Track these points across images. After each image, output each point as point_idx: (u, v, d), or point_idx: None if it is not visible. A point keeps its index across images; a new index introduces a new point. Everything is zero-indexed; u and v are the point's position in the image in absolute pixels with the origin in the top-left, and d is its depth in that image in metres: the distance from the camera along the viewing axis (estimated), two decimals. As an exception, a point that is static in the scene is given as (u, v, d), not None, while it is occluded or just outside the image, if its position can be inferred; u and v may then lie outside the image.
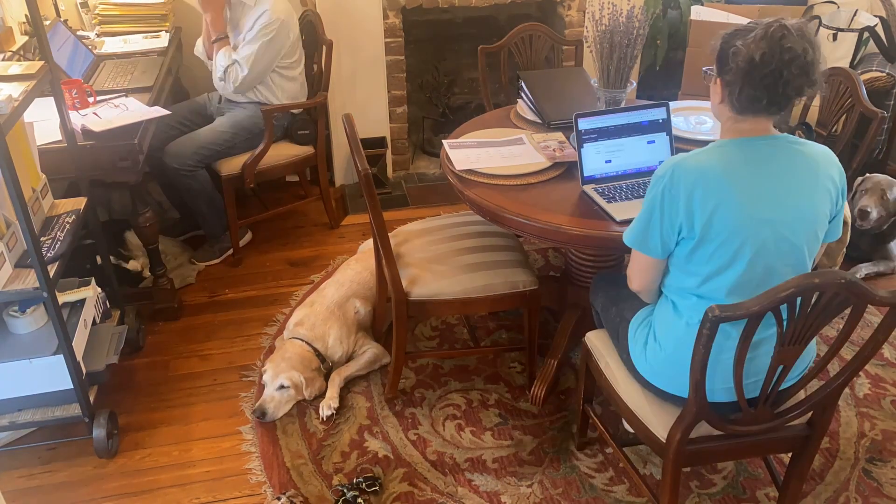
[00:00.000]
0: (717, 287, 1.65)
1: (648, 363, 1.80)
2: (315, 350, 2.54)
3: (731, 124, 1.66)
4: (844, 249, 2.36)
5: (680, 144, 2.35)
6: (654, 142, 2.22)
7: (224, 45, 3.09)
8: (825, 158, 1.67)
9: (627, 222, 1.97)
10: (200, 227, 3.34)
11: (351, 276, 2.78)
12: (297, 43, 3.20)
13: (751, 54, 1.53)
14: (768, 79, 1.54)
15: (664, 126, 2.22)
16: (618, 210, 2.04)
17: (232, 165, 3.14)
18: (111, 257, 2.82)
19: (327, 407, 2.44)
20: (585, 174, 2.18)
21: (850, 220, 2.31)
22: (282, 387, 2.42)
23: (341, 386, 2.53)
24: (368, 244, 3.02)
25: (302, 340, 2.54)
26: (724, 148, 1.64)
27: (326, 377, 2.55)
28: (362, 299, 2.72)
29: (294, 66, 3.20)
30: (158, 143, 3.01)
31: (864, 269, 3.03)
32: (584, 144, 2.17)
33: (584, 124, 2.16)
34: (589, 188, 2.16)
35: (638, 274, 1.79)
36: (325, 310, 2.63)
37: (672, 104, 2.60)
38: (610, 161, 2.20)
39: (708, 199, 1.58)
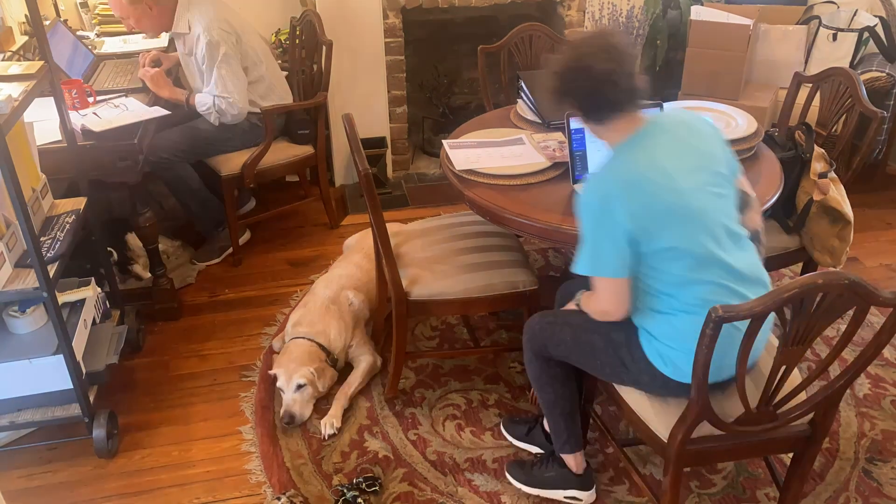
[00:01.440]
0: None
1: (678, 367, 1.75)
2: (318, 344, 2.53)
3: (613, 132, 1.74)
4: (848, 249, 2.36)
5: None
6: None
7: (194, 97, 3.06)
8: (694, 115, 1.82)
9: None
10: (194, 224, 3.34)
11: (339, 272, 2.79)
12: (251, 45, 3.08)
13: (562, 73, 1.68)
14: (596, 77, 1.65)
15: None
16: None
17: (232, 165, 3.13)
18: (114, 253, 2.82)
19: (329, 426, 2.38)
20: (577, 174, 2.18)
21: (852, 220, 2.31)
22: (299, 386, 2.41)
23: (346, 406, 2.47)
24: (351, 240, 3.05)
25: (303, 338, 2.53)
26: (626, 152, 1.71)
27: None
28: (353, 290, 2.71)
29: (252, 69, 3.10)
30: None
31: None
32: (575, 144, 2.16)
33: (576, 123, 2.15)
34: (579, 188, 2.16)
35: (607, 302, 1.74)
36: (320, 306, 2.62)
37: (672, 104, 2.61)
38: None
39: (637, 203, 1.63)
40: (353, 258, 2.85)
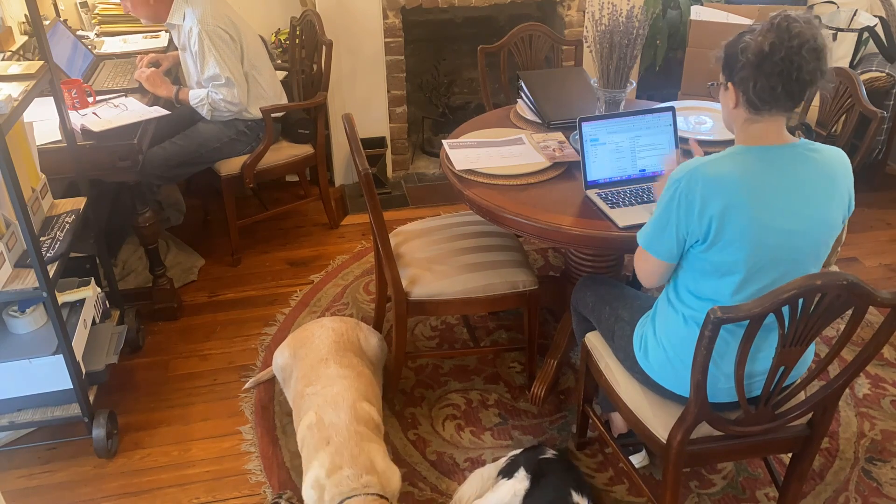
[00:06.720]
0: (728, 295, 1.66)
1: (650, 362, 1.80)
2: (378, 496, 1.86)
3: (747, 127, 1.64)
4: (839, 248, 2.35)
5: (682, 145, 2.35)
6: (659, 146, 2.21)
7: (185, 91, 3.03)
8: (841, 164, 1.66)
9: (629, 228, 1.96)
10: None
11: (334, 391, 2.10)
12: (248, 45, 3.05)
13: (760, 46, 1.53)
14: (780, 65, 1.53)
15: (670, 130, 2.21)
16: (620, 216, 2.02)
17: (231, 165, 3.13)
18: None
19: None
20: (589, 179, 2.17)
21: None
22: None
23: None
24: (286, 352, 2.38)
25: (362, 496, 1.84)
26: (743, 156, 1.62)
27: None
28: (365, 401, 2.11)
29: (247, 70, 3.06)
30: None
31: None
32: (588, 149, 2.15)
33: (588, 129, 2.15)
34: (592, 193, 2.14)
35: (648, 274, 1.78)
36: (348, 435, 1.95)
37: (673, 104, 2.61)
38: (614, 166, 2.18)
39: (725, 206, 1.57)
40: (327, 372, 2.19)
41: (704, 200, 1.58)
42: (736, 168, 1.60)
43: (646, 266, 1.76)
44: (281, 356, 2.40)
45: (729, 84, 1.64)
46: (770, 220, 1.58)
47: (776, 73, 1.54)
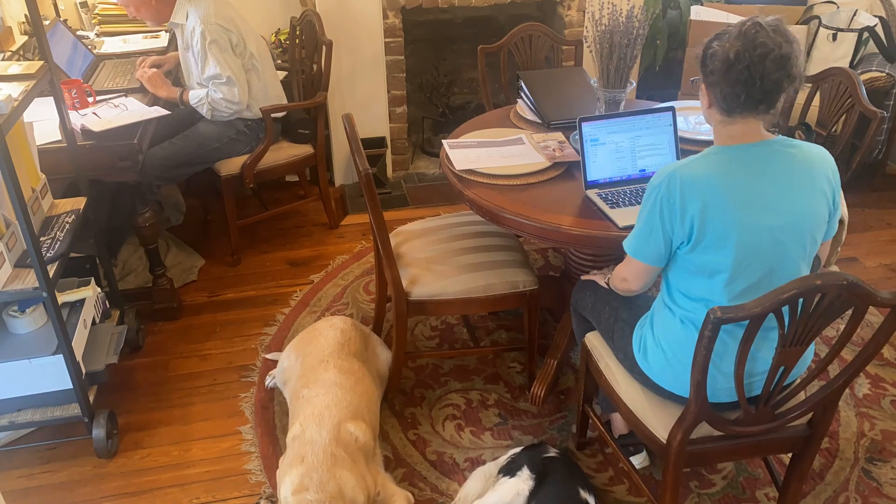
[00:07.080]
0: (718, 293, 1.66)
1: (649, 363, 1.80)
2: None
3: (722, 128, 1.66)
4: (839, 249, 2.35)
5: (682, 145, 2.35)
6: (659, 146, 2.21)
7: (188, 92, 3.03)
8: (821, 159, 1.67)
9: (629, 228, 1.96)
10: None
11: (324, 403, 2.12)
12: (251, 46, 3.04)
13: (726, 53, 1.56)
14: (743, 74, 1.55)
15: (670, 130, 2.21)
16: (621, 216, 2.02)
17: (231, 165, 3.13)
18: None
19: None
20: (589, 179, 2.17)
21: (846, 220, 2.31)
22: None
23: None
24: (291, 356, 2.45)
25: None
26: (719, 155, 1.64)
27: None
28: (352, 420, 2.10)
29: (248, 71, 3.06)
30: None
31: None
32: (588, 149, 2.15)
33: (588, 129, 2.15)
34: (592, 193, 2.14)
35: (634, 278, 1.80)
36: (323, 457, 1.95)
37: (673, 104, 2.61)
38: (613, 166, 2.18)
39: (704, 207, 1.58)
40: (325, 376, 2.21)
41: (684, 201, 1.59)
42: (712, 168, 1.61)
43: (633, 271, 1.78)
44: (287, 359, 2.42)
45: (702, 85, 1.67)
46: (750, 217, 1.59)
47: (740, 82, 1.56)
